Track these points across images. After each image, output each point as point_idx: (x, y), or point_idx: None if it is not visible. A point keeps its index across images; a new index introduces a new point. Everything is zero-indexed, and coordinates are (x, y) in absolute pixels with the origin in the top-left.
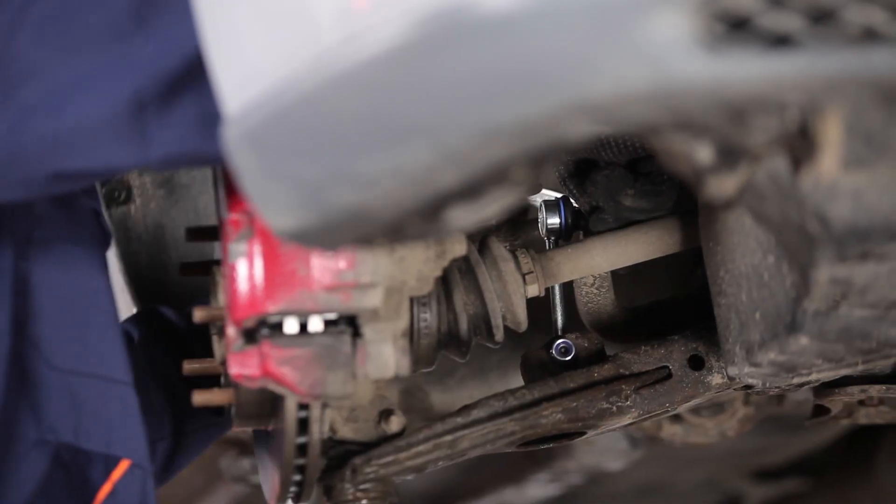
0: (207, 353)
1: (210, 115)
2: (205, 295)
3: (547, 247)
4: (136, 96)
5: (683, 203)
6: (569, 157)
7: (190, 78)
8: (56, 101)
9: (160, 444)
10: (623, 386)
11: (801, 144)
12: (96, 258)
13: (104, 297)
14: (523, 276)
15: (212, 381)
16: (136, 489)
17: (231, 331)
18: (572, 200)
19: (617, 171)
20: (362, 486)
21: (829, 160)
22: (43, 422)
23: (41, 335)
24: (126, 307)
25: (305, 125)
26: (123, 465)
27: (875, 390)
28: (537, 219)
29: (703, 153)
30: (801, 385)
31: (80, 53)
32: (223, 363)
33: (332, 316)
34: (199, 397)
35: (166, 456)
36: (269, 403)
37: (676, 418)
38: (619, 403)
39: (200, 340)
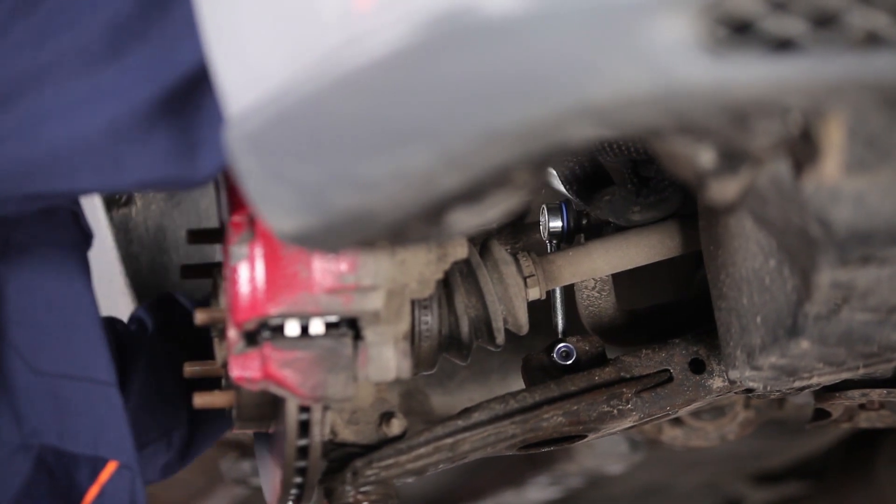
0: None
1: (184, 144)
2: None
3: (548, 250)
4: (111, 126)
5: (689, 203)
6: (572, 163)
7: (165, 107)
8: (30, 127)
9: (176, 433)
10: (624, 389)
11: (803, 148)
12: (76, 260)
13: (85, 298)
14: (524, 279)
15: (213, 383)
16: (124, 490)
17: (232, 333)
18: (579, 209)
19: (619, 193)
20: (363, 489)
21: (831, 164)
22: (25, 426)
23: (22, 340)
24: (127, 309)
25: (307, 128)
26: (111, 467)
27: (876, 394)
28: (539, 222)
29: (706, 157)
30: (802, 389)
31: (55, 79)
32: (224, 365)
33: (333, 318)
34: (200, 399)
35: (183, 444)
36: (270, 406)
37: (677, 422)
38: (620, 407)
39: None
